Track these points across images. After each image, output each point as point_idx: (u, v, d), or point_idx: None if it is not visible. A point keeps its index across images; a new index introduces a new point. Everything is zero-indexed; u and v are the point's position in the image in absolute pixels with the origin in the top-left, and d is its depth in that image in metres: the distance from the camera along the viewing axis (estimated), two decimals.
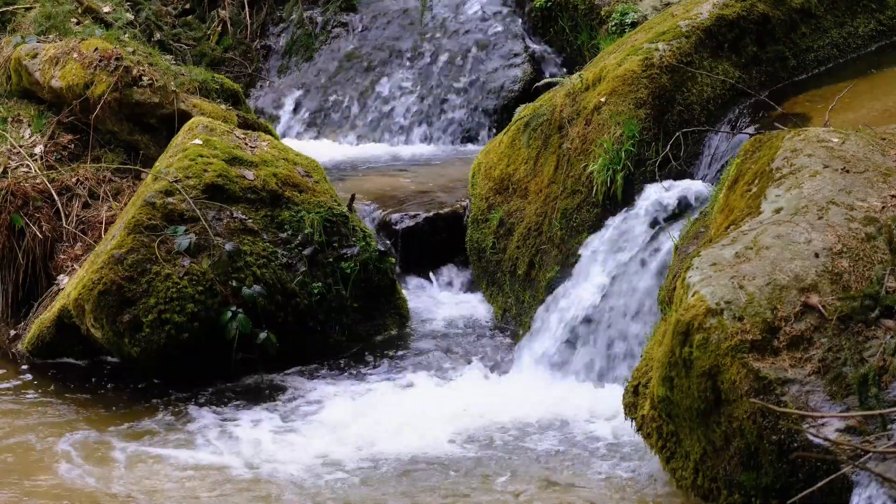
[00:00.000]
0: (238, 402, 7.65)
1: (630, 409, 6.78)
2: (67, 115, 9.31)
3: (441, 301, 8.85)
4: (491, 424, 7.26)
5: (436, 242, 9.09)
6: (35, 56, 9.58)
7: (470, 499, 6.48)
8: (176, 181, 8.09)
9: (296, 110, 11.62)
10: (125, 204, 8.71)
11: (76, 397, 7.83)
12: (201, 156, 8.26)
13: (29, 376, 8.14)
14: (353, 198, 8.71)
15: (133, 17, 11.49)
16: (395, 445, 7.01)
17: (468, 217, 8.93)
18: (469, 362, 8.03)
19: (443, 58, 11.49)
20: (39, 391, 7.94)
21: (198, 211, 8.00)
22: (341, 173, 10.21)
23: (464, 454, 6.95)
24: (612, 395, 7.25)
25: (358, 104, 11.47)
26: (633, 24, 10.03)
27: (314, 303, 8.16)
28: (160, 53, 10.06)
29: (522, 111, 8.81)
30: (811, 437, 5.56)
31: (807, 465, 5.61)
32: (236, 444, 7.11)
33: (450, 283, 9.04)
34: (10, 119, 9.45)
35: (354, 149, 11.18)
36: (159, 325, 7.72)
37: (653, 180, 7.87)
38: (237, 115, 9.37)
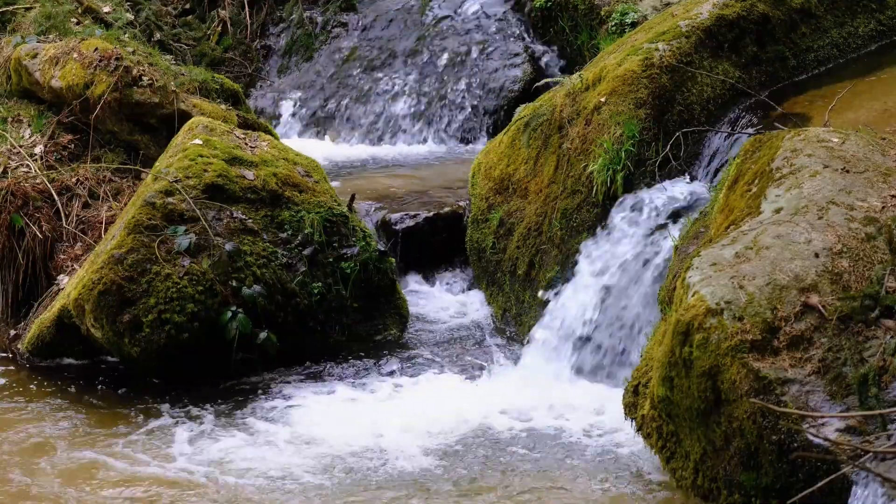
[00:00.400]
0: (229, 405, 7.60)
1: (630, 409, 6.77)
2: (67, 115, 9.31)
3: (441, 301, 8.85)
4: (489, 427, 7.25)
5: (436, 242, 9.09)
6: (35, 56, 9.58)
7: None
8: (176, 181, 8.09)
9: (296, 110, 11.62)
10: (125, 204, 8.71)
11: (72, 398, 7.82)
12: (201, 156, 8.26)
13: (27, 376, 8.14)
14: (353, 198, 8.71)
15: (133, 17, 11.49)
16: (389, 451, 6.98)
17: (468, 217, 8.93)
18: (469, 363, 8.03)
19: (443, 58, 11.49)
20: (35, 391, 7.93)
21: (198, 211, 8.00)
22: (341, 173, 10.21)
23: (459, 460, 6.92)
24: (612, 396, 7.24)
25: (358, 104, 11.47)
26: (633, 24, 10.02)
27: (314, 303, 8.16)
28: (160, 53, 10.06)
29: (522, 111, 8.81)
30: (811, 437, 5.56)
31: (807, 465, 5.61)
32: (209, 454, 7.02)
33: (450, 283, 9.04)
34: (10, 119, 9.45)
35: (354, 149, 11.18)
36: (159, 325, 7.72)
37: (653, 180, 7.87)
38: (237, 115, 9.37)
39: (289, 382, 7.88)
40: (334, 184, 8.94)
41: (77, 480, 6.77)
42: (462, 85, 11.28)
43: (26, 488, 6.69)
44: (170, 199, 8.03)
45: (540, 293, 8.11)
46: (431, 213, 9.15)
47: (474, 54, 11.42)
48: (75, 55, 9.32)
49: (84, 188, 8.99)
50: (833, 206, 6.26)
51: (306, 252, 8.18)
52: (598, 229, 7.93)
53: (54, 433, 7.34)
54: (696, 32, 8.30)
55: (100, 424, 7.44)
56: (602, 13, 10.74)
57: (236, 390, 7.80)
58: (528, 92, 10.45)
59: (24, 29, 10.39)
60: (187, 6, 12.16)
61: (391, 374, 7.95)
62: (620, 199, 7.89)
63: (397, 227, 9.04)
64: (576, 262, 7.94)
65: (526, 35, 11.50)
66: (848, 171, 6.45)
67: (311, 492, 6.61)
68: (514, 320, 8.38)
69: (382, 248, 8.56)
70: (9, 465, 6.95)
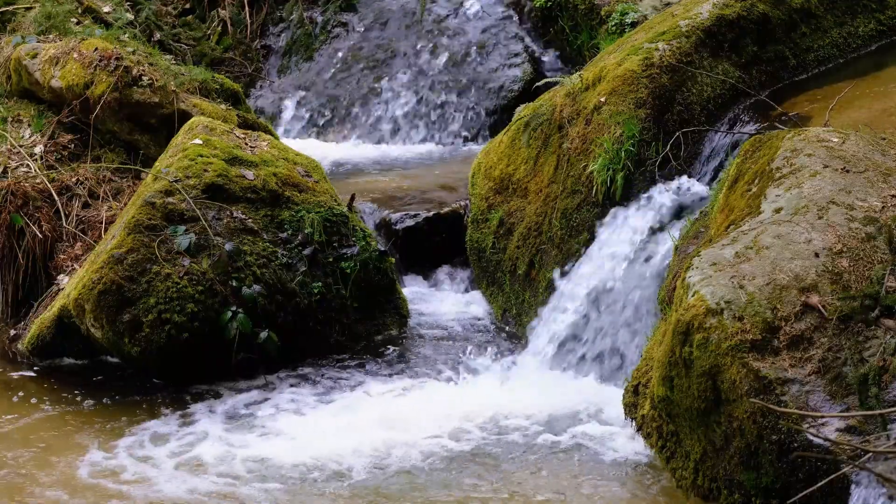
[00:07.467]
0: (229, 406, 7.59)
1: (630, 409, 6.78)
2: (67, 114, 9.31)
3: (441, 301, 8.85)
4: (488, 426, 7.25)
5: (436, 242, 9.09)
6: (35, 56, 9.58)
7: None
8: (176, 181, 8.09)
9: (296, 110, 11.62)
10: (125, 204, 8.71)
11: (72, 398, 7.80)
12: (201, 155, 8.26)
13: (27, 376, 8.14)
14: (353, 197, 8.71)
15: (133, 17, 11.48)
16: (388, 452, 6.98)
17: (468, 217, 8.93)
18: (468, 363, 8.02)
19: (443, 58, 11.49)
20: (35, 391, 7.92)
21: (198, 211, 8.00)
22: (341, 173, 10.21)
23: (455, 459, 6.92)
24: (612, 395, 7.25)
25: (358, 104, 11.47)
26: (633, 24, 10.02)
27: (314, 303, 8.16)
28: (160, 53, 10.05)
29: (522, 111, 8.81)
30: (811, 437, 5.56)
31: (807, 465, 5.61)
32: (208, 456, 6.99)
33: (450, 283, 9.04)
34: (10, 119, 9.45)
35: (354, 149, 11.17)
36: (159, 325, 7.72)
37: (653, 180, 7.87)
38: (237, 115, 9.37)
39: (289, 383, 7.87)
40: (334, 182, 8.93)
41: (75, 481, 6.77)
42: (462, 85, 11.28)
43: (24, 489, 6.68)
44: (170, 199, 8.03)
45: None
46: (431, 213, 9.15)
47: (474, 54, 11.42)
48: (75, 55, 9.32)
49: (84, 188, 8.99)
50: (833, 206, 6.26)
51: (306, 252, 8.18)
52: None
53: (54, 433, 7.34)
54: (696, 32, 8.29)
55: (99, 425, 7.43)
56: (602, 13, 10.74)
57: (236, 391, 7.79)
58: (528, 92, 10.45)
59: (24, 29, 10.38)
60: (187, 6, 12.15)
61: (391, 375, 7.95)
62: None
63: (397, 227, 9.04)
64: (574, 263, 7.94)
65: (526, 35, 11.49)
66: (848, 171, 6.45)
67: (302, 497, 6.62)
68: (514, 320, 8.38)
69: (382, 248, 8.56)
70: (6, 465, 6.95)
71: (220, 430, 7.30)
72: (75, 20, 10.61)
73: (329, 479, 6.73)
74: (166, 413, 7.55)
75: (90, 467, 6.91)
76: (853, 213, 6.22)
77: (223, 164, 8.25)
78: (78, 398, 7.80)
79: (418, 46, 11.63)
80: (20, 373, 8.18)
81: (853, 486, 5.45)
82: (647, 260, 7.60)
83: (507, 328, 8.42)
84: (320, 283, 8.19)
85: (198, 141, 8.34)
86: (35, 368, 8.21)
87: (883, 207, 6.24)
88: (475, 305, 8.74)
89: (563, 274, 8.00)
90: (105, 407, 7.69)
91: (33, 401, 7.78)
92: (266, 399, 7.67)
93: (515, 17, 11.64)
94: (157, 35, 11.62)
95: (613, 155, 7.89)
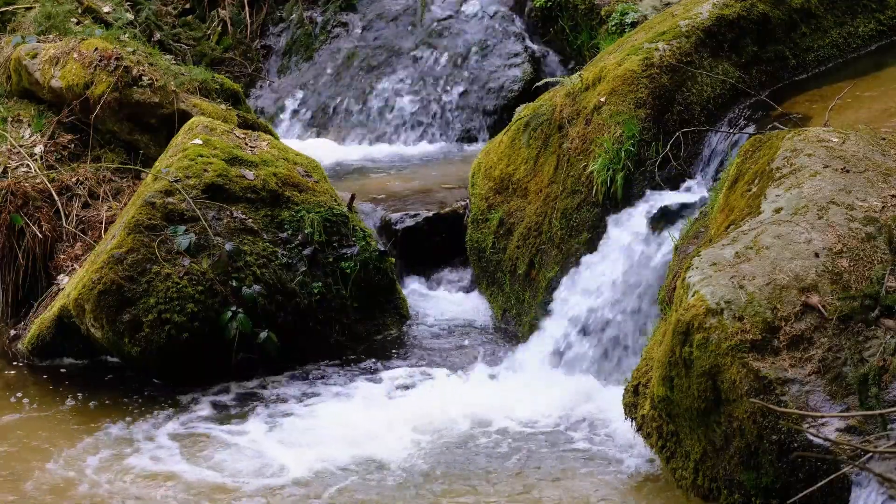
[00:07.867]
0: (228, 406, 7.59)
1: (630, 409, 6.78)
2: (67, 114, 9.31)
3: (441, 301, 8.85)
4: (488, 426, 7.25)
5: (436, 242, 9.08)
6: (35, 56, 9.58)
7: None
8: (176, 181, 8.09)
9: (296, 110, 11.62)
10: (125, 204, 8.71)
11: (72, 399, 7.79)
12: (201, 155, 8.26)
13: (27, 376, 8.13)
14: (353, 197, 8.71)
15: (133, 17, 11.48)
16: (388, 451, 6.97)
17: (468, 217, 8.93)
18: (468, 363, 8.03)
19: (443, 58, 11.49)
20: (35, 392, 7.91)
21: (198, 211, 8.00)
22: (341, 173, 10.21)
23: (455, 459, 6.91)
24: (611, 396, 7.25)
25: (358, 104, 11.46)
26: (633, 24, 10.02)
27: (314, 303, 8.16)
28: (160, 53, 10.06)
29: (522, 111, 8.81)
30: (811, 437, 5.56)
31: (807, 465, 5.61)
32: (207, 457, 6.95)
33: (449, 283, 9.03)
34: (10, 119, 9.45)
35: (354, 149, 11.18)
36: (159, 325, 7.72)
37: (652, 180, 7.87)
38: (237, 115, 9.37)
39: (289, 383, 7.87)
40: (334, 182, 8.93)
41: (75, 481, 6.76)
42: (462, 85, 11.28)
43: (23, 489, 6.68)
44: (170, 199, 8.03)
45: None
46: (431, 213, 9.15)
47: (474, 54, 11.42)
48: (75, 55, 9.32)
49: (84, 188, 8.99)
50: (833, 206, 6.26)
51: (306, 252, 8.18)
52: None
53: (54, 434, 7.33)
54: (696, 32, 8.29)
55: (100, 425, 7.43)
56: (602, 13, 10.74)
57: (236, 391, 7.78)
58: (528, 92, 10.45)
59: (24, 29, 10.38)
60: (187, 6, 12.15)
61: (391, 374, 7.94)
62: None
63: (397, 227, 9.04)
64: (575, 263, 7.94)
65: (526, 35, 11.49)
66: (848, 171, 6.45)
67: (298, 497, 6.61)
68: (514, 320, 8.38)
69: (382, 248, 8.56)
70: (6, 466, 6.94)
71: (217, 432, 7.29)
72: (75, 20, 10.61)
73: (307, 496, 6.67)
74: (166, 414, 7.53)
75: (41, 479, 6.82)
76: (853, 213, 6.22)
77: (223, 164, 8.25)
78: (77, 399, 7.78)
79: (418, 46, 11.63)
80: (20, 373, 8.18)
81: (853, 487, 5.45)
82: (647, 260, 7.60)
83: (507, 328, 8.41)
84: (320, 283, 8.19)
85: (198, 141, 8.34)
86: (35, 368, 8.21)
87: (883, 207, 6.24)
88: (475, 306, 8.73)
89: (564, 274, 8.00)
90: (105, 408, 7.66)
91: (26, 401, 7.77)
92: (259, 403, 7.63)
93: (515, 17, 11.64)
94: (157, 35, 11.62)
95: (613, 155, 7.89)
